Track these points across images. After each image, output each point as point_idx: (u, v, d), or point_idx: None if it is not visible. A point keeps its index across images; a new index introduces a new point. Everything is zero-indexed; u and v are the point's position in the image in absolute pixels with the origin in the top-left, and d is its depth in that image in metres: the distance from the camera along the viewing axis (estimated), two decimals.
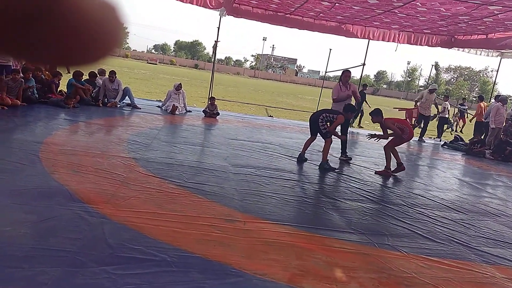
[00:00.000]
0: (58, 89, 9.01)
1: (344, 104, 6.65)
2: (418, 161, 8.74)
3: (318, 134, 6.39)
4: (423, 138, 12.02)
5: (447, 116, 14.03)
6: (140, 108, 9.75)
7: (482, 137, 11.44)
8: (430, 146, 11.58)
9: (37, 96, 8.18)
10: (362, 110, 13.79)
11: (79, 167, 4.29)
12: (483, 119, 12.18)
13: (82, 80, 9.21)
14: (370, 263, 3.03)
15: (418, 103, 12.32)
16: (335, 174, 5.95)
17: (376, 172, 6.38)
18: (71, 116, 7.45)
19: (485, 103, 12.93)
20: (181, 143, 6.47)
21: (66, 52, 0.32)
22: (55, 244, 2.57)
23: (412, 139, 7.11)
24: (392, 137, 6.36)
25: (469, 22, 8.69)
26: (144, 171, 4.53)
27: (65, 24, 0.30)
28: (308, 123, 6.61)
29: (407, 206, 4.74)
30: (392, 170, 6.33)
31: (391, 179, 6.08)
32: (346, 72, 7.25)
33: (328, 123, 6.23)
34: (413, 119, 12.24)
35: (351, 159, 7.11)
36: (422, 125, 12.20)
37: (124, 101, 9.97)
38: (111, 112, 8.75)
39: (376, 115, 6.27)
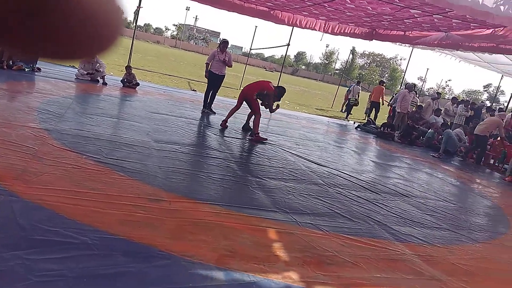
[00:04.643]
0: None
1: (220, 64, 8.51)
2: (334, 142, 9.17)
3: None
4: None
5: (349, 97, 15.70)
6: (40, 70, 8.89)
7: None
8: (345, 128, 12.22)
9: None
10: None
11: None
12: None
13: None
14: (295, 242, 3.11)
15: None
16: (259, 153, 6.00)
17: (250, 140, 6.72)
18: None
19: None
20: (99, 114, 6.05)
21: (70, 45, 0.32)
22: None
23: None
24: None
25: (391, 21, 9.22)
26: (58, 144, 4.17)
27: (67, 17, 0.30)
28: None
29: (327, 185, 4.95)
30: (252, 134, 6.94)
31: (310, 159, 6.28)
32: (225, 43, 8.78)
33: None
34: None
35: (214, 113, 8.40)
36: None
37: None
38: (17, 76, 7.90)
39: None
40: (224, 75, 8.87)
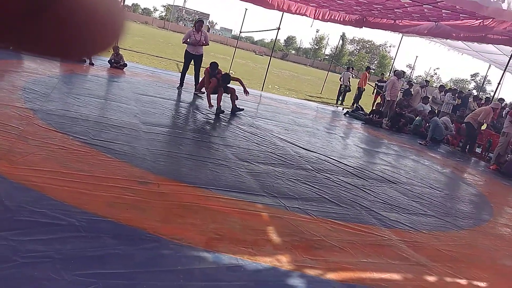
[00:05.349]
0: None
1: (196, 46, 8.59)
2: (323, 128, 9.19)
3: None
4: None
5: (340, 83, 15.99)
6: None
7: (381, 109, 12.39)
8: (334, 114, 12.25)
9: None
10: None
11: None
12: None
13: None
14: (283, 226, 3.12)
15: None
16: (248, 138, 5.98)
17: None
18: None
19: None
20: (85, 95, 5.95)
21: (72, 43, 0.32)
22: None
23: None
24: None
25: (382, 10, 9.21)
26: (44, 125, 4.09)
27: (70, 15, 0.30)
28: None
29: (315, 171, 4.97)
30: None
31: (299, 144, 6.28)
32: (200, 22, 8.93)
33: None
34: None
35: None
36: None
37: None
38: (0, 54, 7.69)
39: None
40: (202, 54, 8.90)
